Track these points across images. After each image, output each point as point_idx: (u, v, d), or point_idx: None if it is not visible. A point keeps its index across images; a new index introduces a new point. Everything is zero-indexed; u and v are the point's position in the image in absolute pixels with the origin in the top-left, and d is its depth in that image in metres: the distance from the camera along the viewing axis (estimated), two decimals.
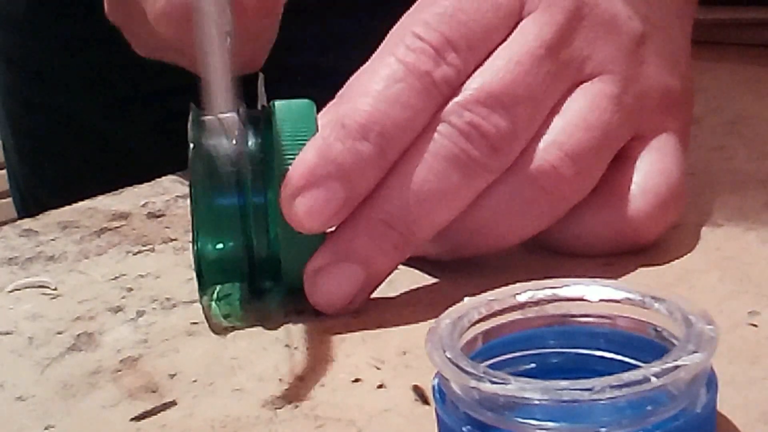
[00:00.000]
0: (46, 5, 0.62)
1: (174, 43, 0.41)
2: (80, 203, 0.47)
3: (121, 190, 0.49)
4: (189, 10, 0.38)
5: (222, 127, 0.32)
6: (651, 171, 0.34)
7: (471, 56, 0.33)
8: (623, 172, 0.34)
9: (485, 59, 0.33)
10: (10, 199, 0.73)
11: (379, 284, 0.33)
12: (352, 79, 0.34)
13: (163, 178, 0.49)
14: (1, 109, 0.69)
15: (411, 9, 0.34)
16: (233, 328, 0.33)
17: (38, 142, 0.67)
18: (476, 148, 0.32)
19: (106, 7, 0.47)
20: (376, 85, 0.32)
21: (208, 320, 0.34)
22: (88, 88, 0.63)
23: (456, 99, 0.32)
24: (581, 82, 0.34)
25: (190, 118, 0.34)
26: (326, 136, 0.32)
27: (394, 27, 0.34)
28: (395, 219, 0.32)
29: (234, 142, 0.32)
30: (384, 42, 0.34)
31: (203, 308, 0.35)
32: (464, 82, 0.33)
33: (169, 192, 0.47)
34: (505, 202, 0.33)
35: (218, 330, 0.33)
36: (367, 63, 0.33)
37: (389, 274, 0.33)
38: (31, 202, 0.68)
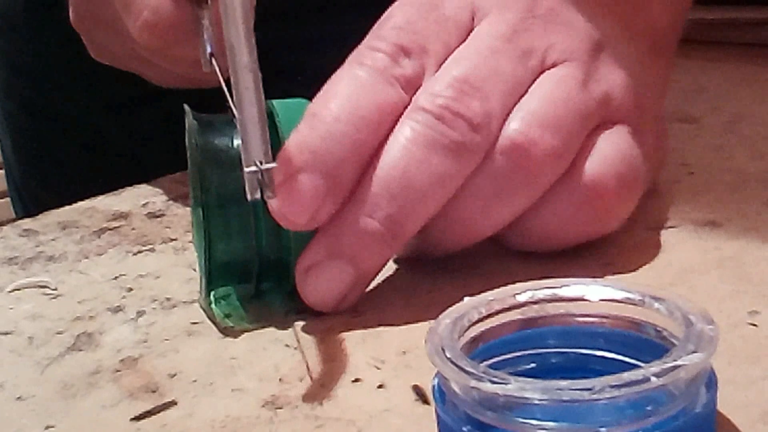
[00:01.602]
0: (44, 7, 0.62)
1: (153, 54, 0.41)
2: (80, 203, 0.47)
3: (121, 190, 0.49)
4: (175, 21, 0.38)
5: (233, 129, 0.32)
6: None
7: (427, 58, 0.34)
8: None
9: (445, 60, 0.34)
10: (9, 199, 0.73)
11: (372, 279, 0.33)
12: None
13: (163, 178, 0.49)
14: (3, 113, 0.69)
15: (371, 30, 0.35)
16: (234, 328, 0.33)
17: (37, 142, 0.67)
18: (453, 128, 0.32)
19: (72, 15, 0.47)
20: (340, 84, 0.33)
21: (211, 319, 0.34)
22: (88, 88, 0.63)
23: (424, 88, 0.33)
24: (546, 70, 0.34)
25: (192, 122, 0.33)
26: (300, 128, 0.32)
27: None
28: (380, 212, 0.32)
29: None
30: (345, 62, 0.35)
31: (203, 308, 0.35)
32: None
33: (169, 192, 0.47)
34: (480, 186, 0.32)
35: (221, 329, 0.33)
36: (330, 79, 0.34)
37: (380, 269, 0.33)
38: (30, 202, 0.68)
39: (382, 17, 0.35)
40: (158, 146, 0.60)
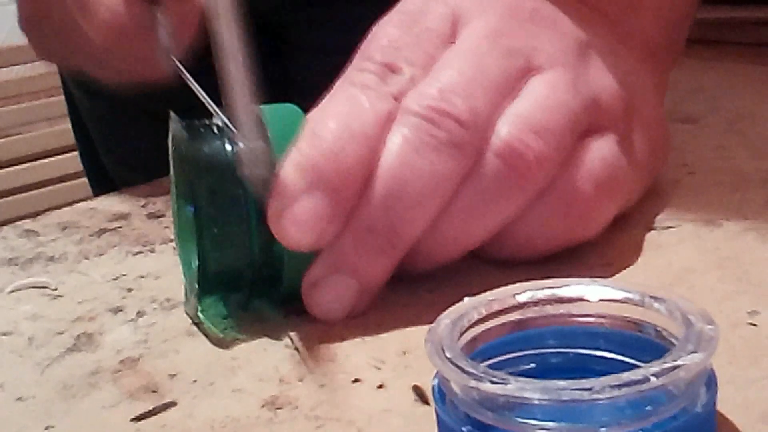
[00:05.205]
0: None
1: (110, 54, 0.42)
2: (80, 204, 0.47)
3: (121, 190, 0.49)
4: (133, 19, 0.39)
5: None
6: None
7: (414, 70, 0.34)
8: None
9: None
10: (9, 198, 0.73)
11: (378, 289, 0.33)
12: None
13: (163, 178, 0.49)
14: (66, 95, 0.72)
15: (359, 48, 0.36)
16: (226, 338, 0.33)
17: (103, 124, 0.69)
18: (441, 128, 0.32)
19: (20, 17, 0.47)
20: (336, 103, 0.33)
21: (197, 325, 0.34)
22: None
23: (411, 93, 0.33)
24: (534, 73, 0.34)
25: (180, 130, 0.33)
26: (300, 147, 0.32)
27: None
28: (377, 223, 0.32)
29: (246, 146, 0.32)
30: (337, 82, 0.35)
31: (190, 316, 0.34)
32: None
33: (169, 192, 0.47)
34: (471, 191, 0.32)
35: (212, 341, 0.33)
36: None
37: (385, 279, 0.33)
38: (115, 180, 0.69)
39: (367, 38, 0.35)
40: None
